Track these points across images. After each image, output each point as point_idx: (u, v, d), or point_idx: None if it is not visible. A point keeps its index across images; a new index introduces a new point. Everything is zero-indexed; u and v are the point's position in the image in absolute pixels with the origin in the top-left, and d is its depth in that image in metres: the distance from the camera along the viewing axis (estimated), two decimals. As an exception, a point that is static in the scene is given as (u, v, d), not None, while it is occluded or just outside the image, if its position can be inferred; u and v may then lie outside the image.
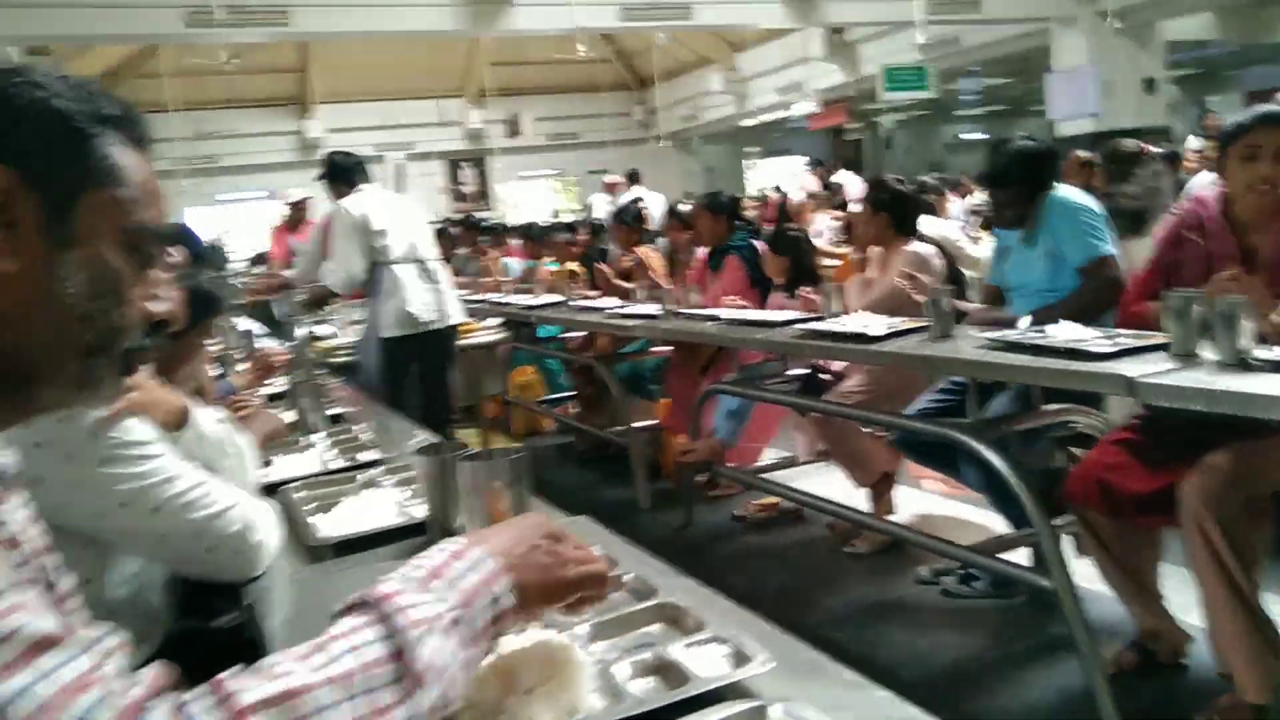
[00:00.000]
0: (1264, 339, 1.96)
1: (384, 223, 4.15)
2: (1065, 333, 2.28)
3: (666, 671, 0.92)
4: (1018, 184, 2.93)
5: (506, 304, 5.36)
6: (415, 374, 4.24)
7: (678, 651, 0.93)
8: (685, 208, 5.12)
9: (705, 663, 0.92)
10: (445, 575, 0.75)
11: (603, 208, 11.34)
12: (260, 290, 5.24)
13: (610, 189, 11.67)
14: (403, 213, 4.33)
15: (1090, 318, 2.50)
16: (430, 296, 4.19)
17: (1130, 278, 2.69)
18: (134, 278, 0.78)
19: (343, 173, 4.26)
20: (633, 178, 11.41)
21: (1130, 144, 4.04)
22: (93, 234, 0.75)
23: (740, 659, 0.91)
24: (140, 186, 0.79)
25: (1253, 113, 2.30)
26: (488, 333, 4.79)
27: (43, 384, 0.75)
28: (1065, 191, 2.96)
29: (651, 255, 5.26)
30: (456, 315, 4.33)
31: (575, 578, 0.84)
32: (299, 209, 7.10)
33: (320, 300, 4.57)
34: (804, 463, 4.01)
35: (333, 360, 4.27)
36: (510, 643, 0.92)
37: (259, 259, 15.29)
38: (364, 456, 1.91)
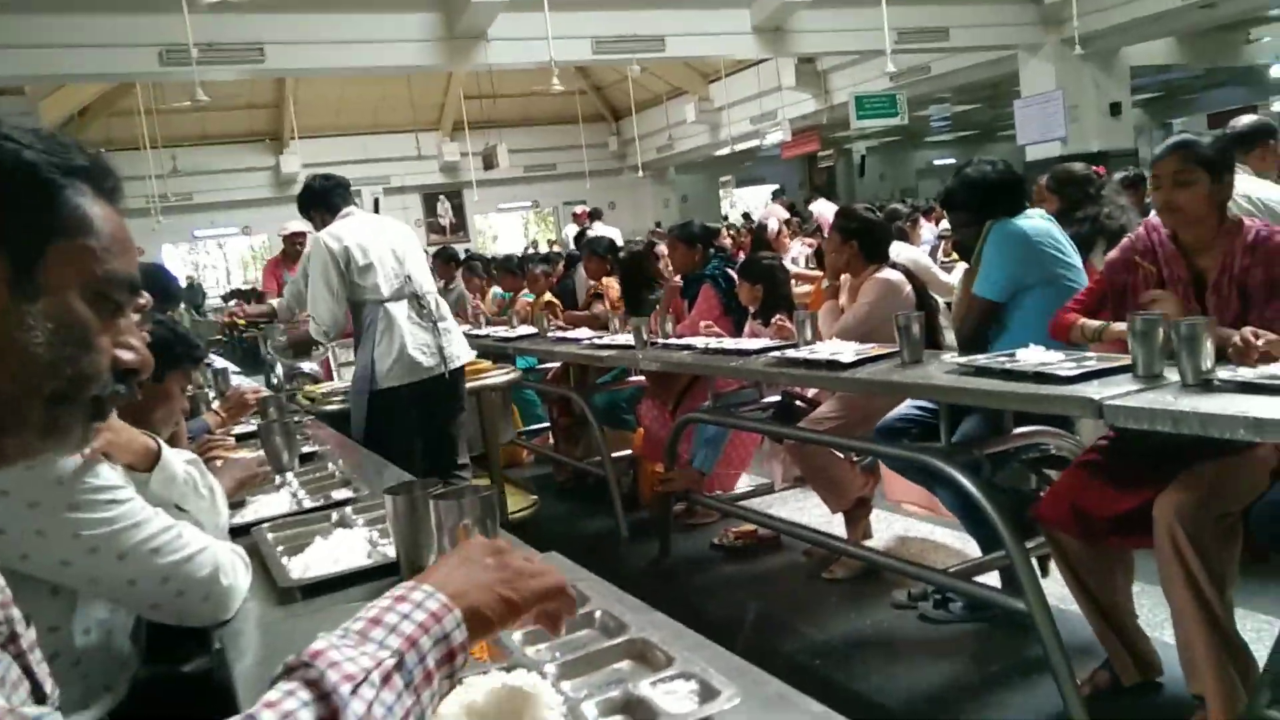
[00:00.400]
0: (1225, 359, 1.99)
1: (373, 254, 3.49)
2: (1033, 356, 2.31)
3: (634, 709, 0.92)
4: (966, 209, 2.96)
5: (484, 336, 5.36)
6: (415, 425, 3.57)
7: (645, 689, 0.93)
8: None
9: (673, 699, 0.92)
10: (386, 621, 0.74)
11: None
12: (245, 315, 4.99)
13: (579, 220, 11.75)
14: (394, 241, 3.62)
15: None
16: (428, 337, 3.53)
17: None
18: (102, 326, 0.79)
19: (321, 198, 3.64)
20: (594, 214, 11.51)
21: (1079, 168, 4.10)
22: (60, 284, 0.76)
23: (708, 694, 0.91)
24: (110, 236, 0.80)
25: (1165, 143, 2.40)
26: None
27: (6, 433, 0.75)
28: (1014, 224, 2.85)
29: (611, 286, 5.32)
30: (463, 355, 3.66)
31: (531, 591, 0.83)
32: (294, 241, 6.75)
33: (302, 346, 4.12)
34: (780, 489, 4.02)
35: (323, 408, 3.68)
36: (480, 684, 0.92)
37: (235, 294, 15.21)
38: (338, 495, 1.89)
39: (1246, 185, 3.04)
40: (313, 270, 3.51)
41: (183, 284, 14.94)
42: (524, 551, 0.89)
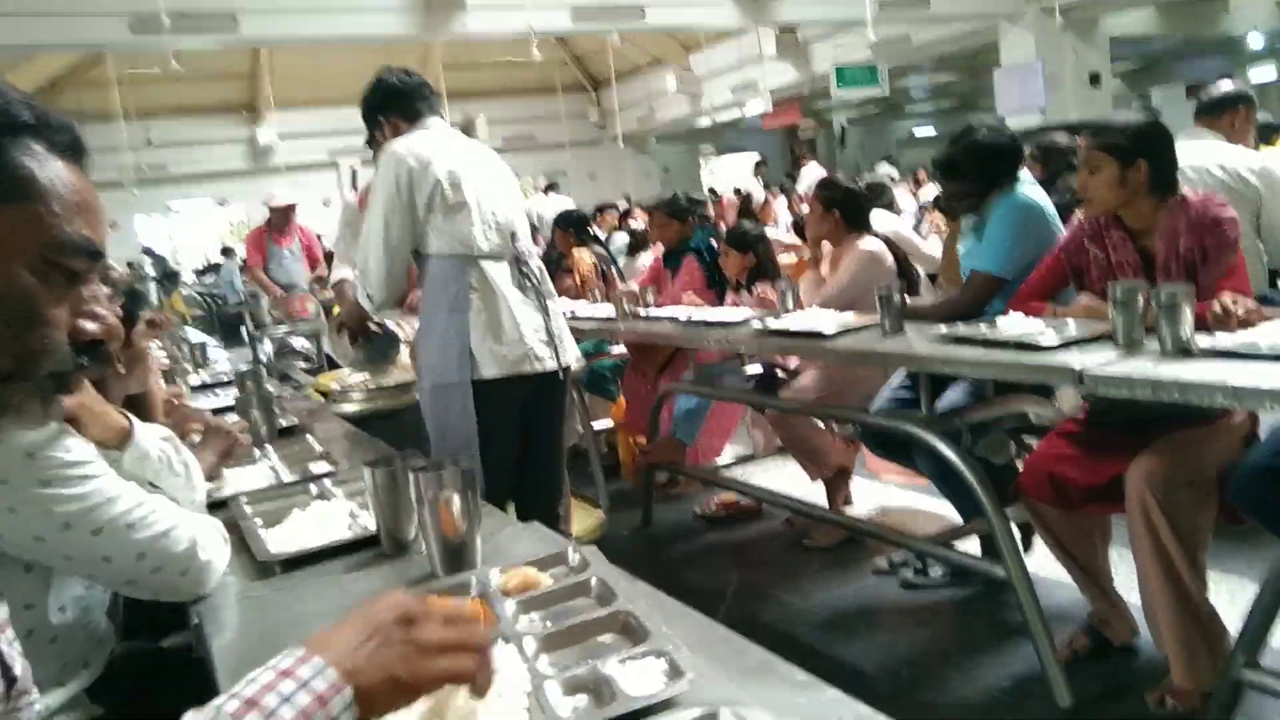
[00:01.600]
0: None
1: (468, 187, 2.47)
2: (1014, 326, 2.31)
3: (599, 687, 0.91)
4: (967, 178, 2.87)
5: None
6: (511, 437, 2.54)
7: (613, 666, 0.92)
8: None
9: (638, 678, 0.91)
10: (264, 703, 0.66)
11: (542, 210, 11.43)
12: (293, 313, 4.34)
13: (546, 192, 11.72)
14: (497, 177, 2.62)
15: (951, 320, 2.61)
16: (539, 318, 2.53)
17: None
18: (55, 297, 0.73)
19: (399, 98, 2.62)
20: (551, 187, 11.44)
21: (1063, 139, 4.09)
22: (4, 251, 0.70)
23: (674, 674, 0.90)
24: (64, 198, 0.74)
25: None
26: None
27: None
28: (1022, 196, 2.82)
29: (582, 259, 5.29)
30: (574, 348, 2.68)
31: (437, 673, 0.72)
32: (283, 213, 6.52)
33: (359, 325, 2.78)
34: (762, 459, 4.03)
35: (348, 408, 2.81)
36: None
37: (212, 268, 15.00)
38: (316, 468, 1.88)
39: (1219, 153, 3.03)
40: (375, 200, 2.49)
41: (149, 262, 14.78)
42: (449, 609, 0.76)
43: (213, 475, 1.76)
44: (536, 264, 2.60)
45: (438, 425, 2.46)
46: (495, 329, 2.42)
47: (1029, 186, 2.87)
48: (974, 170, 2.84)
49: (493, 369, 2.41)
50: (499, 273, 2.48)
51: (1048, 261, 2.53)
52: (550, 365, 2.50)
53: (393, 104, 2.61)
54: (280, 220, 6.51)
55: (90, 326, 0.77)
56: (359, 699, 0.69)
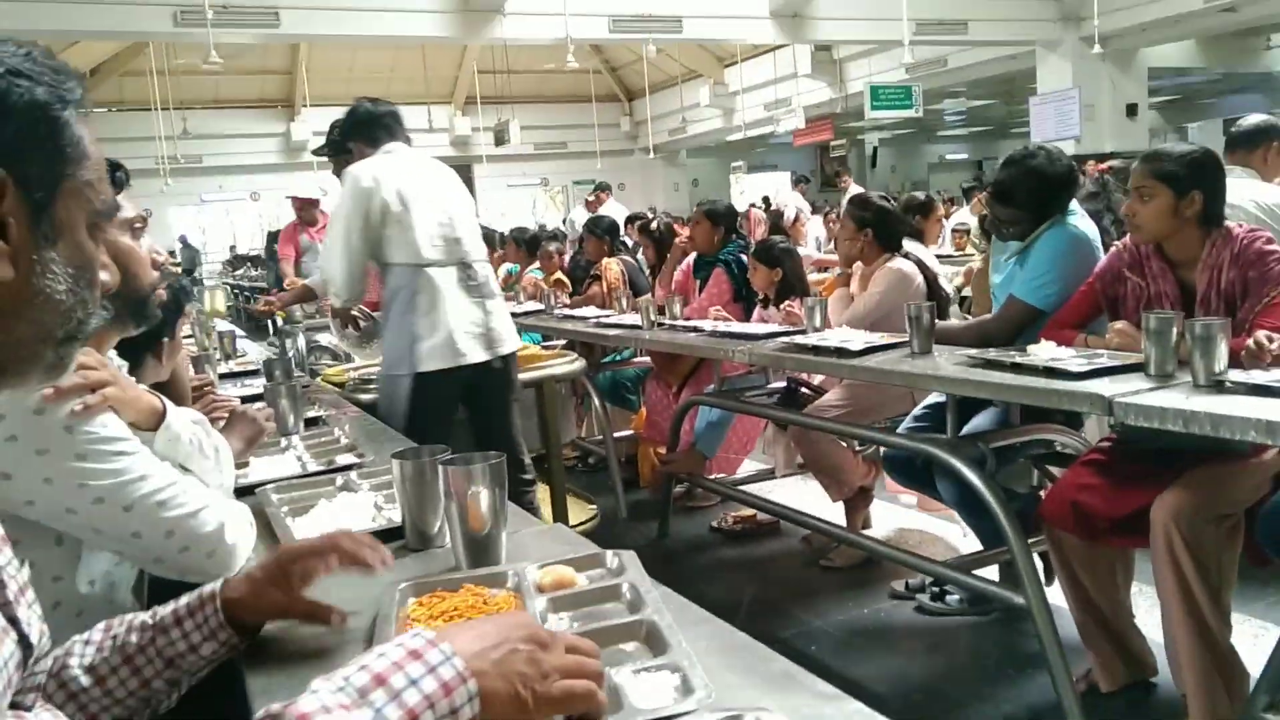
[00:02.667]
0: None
1: (414, 203, 2.87)
2: (1044, 351, 2.30)
3: (608, 697, 0.90)
4: (1022, 205, 2.74)
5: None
6: (448, 420, 2.97)
7: (625, 676, 0.91)
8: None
9: (648, 691, 0.90)
10: (391, 682, 0.67)
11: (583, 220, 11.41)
12: (279, 304, 4.45)
13: (591, 207, 11.70)
14: (445, 191, 3.04)
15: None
16: (479, 314, 2.93)
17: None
18: (101, 257, 0.76)
19: (363, 127, 3.04)
20: (600, 187, 11.43)
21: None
22: (71, 222, 0.73)
23: (686, 690, 0.89)
24: (96, 161, 0.76)
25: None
26: (563, 361, 3.51)
27: (13, 376, 0.73)
28: (1073, 228, 2.73)
29: (610, 267, 5.31)
30: (512, 340, 3.06)
31: (558, 694, 0.75)
32: (311, 205, 6.46)
33: (345, 315, 3.38)
34: (782, 476, 4.02)
35: (356, 395, 3.00)
36: None
37: (236, 260, 15.13)
38: (343, 459, 1.89)
39: (1253, 190, 2.98)
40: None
41: (177, 246, 14.93)
42: (570, 639, 0.80)
43: (239, 458, 1.77)
44: (481, 268, 3.00)
45: (385, 408, 2.84)
46: (433, 327, 2.82)
47: (1079, 218, 2.78)
48: (1029, 198, 2.72)
49: (431, 363, 2.80)
50: (444, 278, 2.88)
51: (1082, 290, 2.51)
52: (482, 357, 2.88)
53: (359, 131, 3.04)
54: (306, 213, 6.45)
55: (105, 277, 0.78)
56: (480, 699, 0.70)
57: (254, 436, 1.82)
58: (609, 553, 1.25)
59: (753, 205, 10.26)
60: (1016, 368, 2.23)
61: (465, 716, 0.69)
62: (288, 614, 1.07)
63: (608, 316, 4.30)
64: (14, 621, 0.75)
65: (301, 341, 3.68)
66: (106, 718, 0.96)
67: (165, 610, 1.02)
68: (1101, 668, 2.37)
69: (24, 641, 0.76)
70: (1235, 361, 1.96)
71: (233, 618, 1.02)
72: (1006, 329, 2.73)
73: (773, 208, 8.95)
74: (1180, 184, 2.22)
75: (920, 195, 7.11)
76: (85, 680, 0.96)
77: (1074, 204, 2.81)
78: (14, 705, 0.78)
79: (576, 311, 4.68)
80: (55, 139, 0.72)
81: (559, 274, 6.02)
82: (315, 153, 3.36)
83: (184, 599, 1.03)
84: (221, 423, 1.91)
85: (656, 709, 0.86)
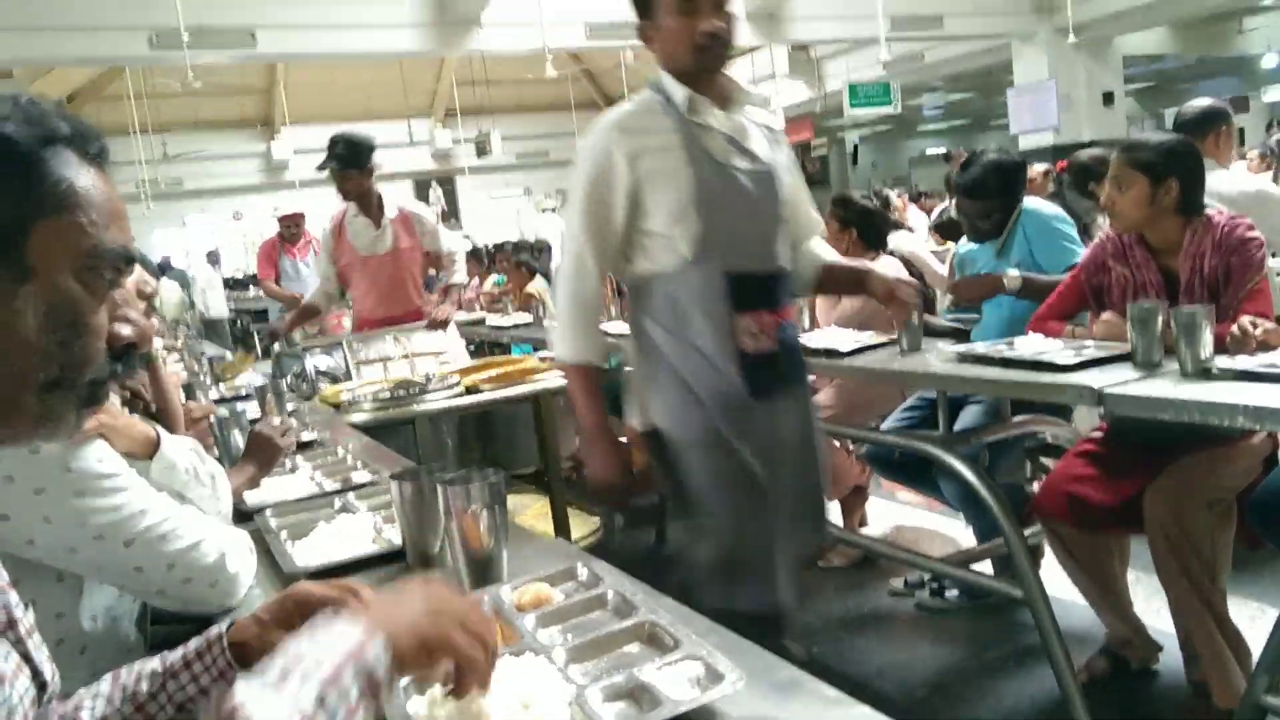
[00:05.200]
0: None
1: None
2: (1031, 345, 2.31)
3: (639, 695, 0.92)
4: (994, 196, 2.93)
5: (478, 322, 5.34)
6: None
7: (650, 673, 0.93)
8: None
9: (678, 684, 0.92)
10: (311, 655, 0.69)
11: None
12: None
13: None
14: None
15: None
16: None
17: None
18: (95, 304, 0.75)
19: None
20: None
21: (1084, 156, 4.06)
22: (49, 264, 0.72)
23: (713, 678, 0.91)
24: (99, 206, 0.75)
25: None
26: (559, 374, 3.02)
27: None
28: (1036, 204, 3.01)
29: None
30: None
31: (456, 637, 0.78)
32: (290, 224, 6.39)
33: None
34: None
35: (358, 418, 2.78)
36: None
37: (226, 283, 15.06)
38: (357, 477, 1.89)
39: (1212, 180, 3.00)
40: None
41: (170, 265, 14.84)
42: (461, 598, 0.85)
43: (253, 484, 1.77)
44: None
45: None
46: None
47: (1040, 202, 3.02)
48: (998, 184, 2.92)
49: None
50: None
51: (1067, 281, 2.53)
52: None
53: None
54: (291, 230, 6.38)
55: (125, 331, 0.79)
56: (388, 649, 0.73)
57: (271, 459, 1.82)
58: (579, 564, 1.25)
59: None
60: (1006, 363, 2.25)
61: (380, 668, 0.71)
62: None
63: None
64: (27, 659, 0.75)
65: (309, 364, 3.64)
66: None
67: (174, 656, 1.01)
68: (1123, 646, 2.39)
69: (38, 678, 0.76)
70: (1221, 348, 1.98)
71: (240, 658, 1.02)
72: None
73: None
74: (1156, 172, 2.24)
75: (892, 195, 7.13)
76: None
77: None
78: None
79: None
80: (24, 176, 0.71)
81: (538, 285, 6.02)
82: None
83: (191, 643, 1.03)
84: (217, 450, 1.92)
85: (695, 698, 0.88)
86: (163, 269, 15.28)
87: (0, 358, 0.70)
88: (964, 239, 3.18)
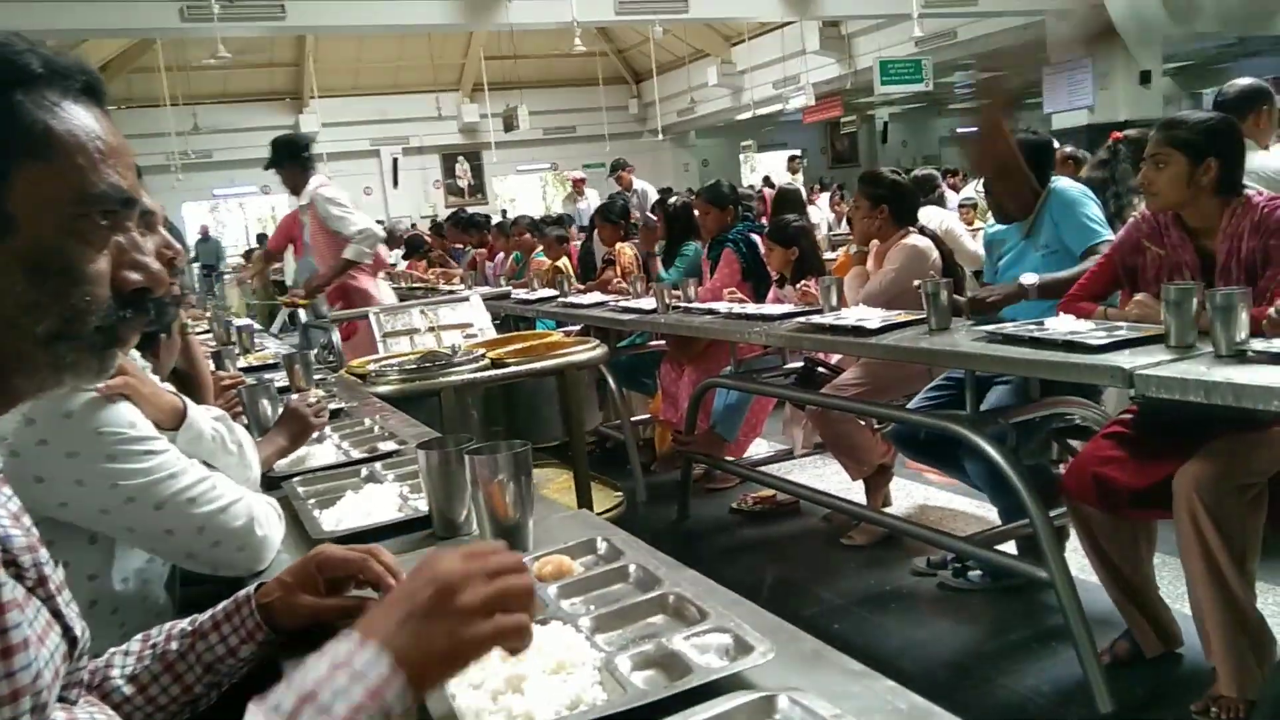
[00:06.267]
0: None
1: None
2: (1062, 325, 2.29)
3: (669, 663, 0.92)
4: (1035, 171, 2.92)
5: (503, 296, 5.35)
6: None
7: (680, 642, 0.93)
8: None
9: (707, 654, 0.92)
10: (320, 698, 0.67)
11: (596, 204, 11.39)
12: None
13: (577, 186, 11.65)
14: None
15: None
16: None
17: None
18: (92, 251, 0.72)
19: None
20: (577, 185, 11.45)
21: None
22: (34, 212, 0.69)
23: (742, 649, 0.91)
24: (90, 147, 0.72)
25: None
26: (584, 349, 3.16)
27: (10, 374, 0.71)
28: (1064, 183, 2.98)
29: (624, 251, 5.30)
30: None
31: (484, 637, 0.72)
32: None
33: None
34: (800, 456, 4.02)
35: (383, 389, 2.77)
36: None
37: (250, 254, 15.14)
38: (384, 447, 1.90)
39: (1251, 160, 2.94)
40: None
41: (197, 237, 14.95)
42: (492, 556, 0.76)
43: (282, 455, 1.79)
44: None
45: None
46: None
47: (1061, 180, 3.02)
48: (1039, 165, 2.92)
49: None
50: None
51: (1100, 261, 2.50)
52: None
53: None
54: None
55: (134, 276, 0.75)
56: (411, 680, 0.70)
57: (300, 434, 1.83)
58: (598, 538, 1.25)
59: (762, 184, 10.20)
60: (1035, 342, 2.23)
61: (396, 711, 0.68)
62: (318, 618, 1.06)
63: (622, 301, 4.31)
64: (58, 615, 0.76)
65: (336, 337, 3.65)
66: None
67: (203, 617, 1.03)
68: (1141, 634, 2.38)
69: (69, 635, 0.77)
70: (1257, 331, 1.95)
71: (268, 619, 1.03)
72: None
73: (777, 186, 8.89)
74: (1195, 151, 2.20)
75: (935, 172, 7.05)
76: (127, 689, 0.97)
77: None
78: (60, 699, 0.79)
79: (586, 298, 4.68)
80: None
81: (564, 259, 6.02)
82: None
83: (220, 606, 1.04)
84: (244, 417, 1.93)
85: (726, 667, 0.88)
86: (203, 239, 15.42)
87: None
88: (991, 219, 3.16)
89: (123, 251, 0.75)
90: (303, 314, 4.42)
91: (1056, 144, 4.48)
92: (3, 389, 0.72)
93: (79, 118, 0.72)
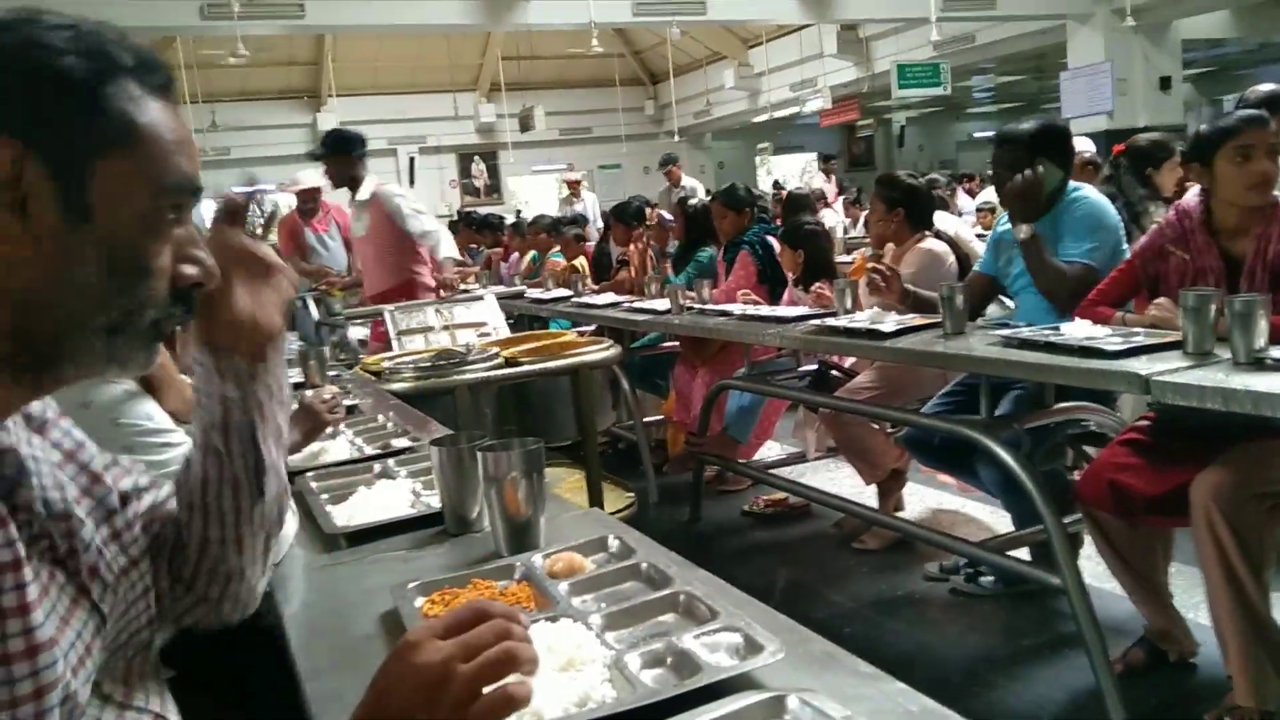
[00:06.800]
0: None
1: None
2: (1079, 330, 2.27)
3: (679, 661, 0.92)
4: (1055, 156, 2.75)
5: (517, 295, 5.36)
6: None
7: (690, 641, 0.93)
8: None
9: (717, 653, 0.92)
10: None
11: (591, 205, 11.48)
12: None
13: (573, 188, 11.69)
14: None
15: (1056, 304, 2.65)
16: None
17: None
18: (160, 244, 0.73)
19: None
20: (572, 186, 11.51)
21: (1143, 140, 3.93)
22: (113, 203, 0.70)
23: (752, 649, 0.91)
24: (165, 139, 0.73)
25: (1237, 116, 2.30)
26: (598, 349, 3.16)
27: (65, 363, 0.72)
28: (1089, 192, 2.83)
29: (633, 252, 5.31)
30: None
31: (480, 716, 0.68)
32: (309, 195, 6.09)
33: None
34: (813, 459, 4.01)
35: (398, 386, 2.78)
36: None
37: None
38: (397, 443, 1.91)
39: None
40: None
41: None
42: (474, 637, 0.71)
43: (294, 450, 1.80)
44: None
45: None
46: None
47: (1093, 191, 2.86)
48: (1059, 151, 2.77)
49: None
50: None
51: (1121, 267, 2.48)
52: None
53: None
54: (309, 205, 6.11)
55: (190, 271, 0.76)
56: None
57: (314, 429, 1.84)
58: (610, 536, 1.25)
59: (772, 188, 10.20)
60: (1052, 348, 2.22)
61: None
62: (235, 314, 0.91)
63: (635, 301, 4.31)
64: (85, 591, 0.76)
65: (351, 334, 3.67)
66: (211, 529, 0.93)
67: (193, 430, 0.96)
68: (1162, 638, 2.36)
69: (97, 612, 0.77)
70: (1279, 338, 1.93)
71: (213, 347, 0.92)
72: (1077, 295, 2.66)
73: (786, 191, 8.87)
74: None
75: (939, 177, 7.03)
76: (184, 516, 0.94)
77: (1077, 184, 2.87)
78: (106, 696, 0.79)
79: (600, 299, 4.69)
80: (85, 112, 0.69)
81: (580, 259, 6.03)
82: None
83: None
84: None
85: (736, 666, 0.88)
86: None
87: (61, 302, 0.69)
88: (1004, 218, 3.05)
89: (181, 245, 0.75)
90: (314, 310, 4.42)
91: (1083, 151, 4.42)
92: (51, 374, 0.72)
93: (157, 111, 0.73)
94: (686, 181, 8.92)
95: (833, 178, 12.84)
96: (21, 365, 0.70)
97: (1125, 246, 2.78)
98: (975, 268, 3.12)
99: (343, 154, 4.54)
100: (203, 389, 0.92)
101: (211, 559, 0.94)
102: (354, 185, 4.59)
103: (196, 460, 0.94)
